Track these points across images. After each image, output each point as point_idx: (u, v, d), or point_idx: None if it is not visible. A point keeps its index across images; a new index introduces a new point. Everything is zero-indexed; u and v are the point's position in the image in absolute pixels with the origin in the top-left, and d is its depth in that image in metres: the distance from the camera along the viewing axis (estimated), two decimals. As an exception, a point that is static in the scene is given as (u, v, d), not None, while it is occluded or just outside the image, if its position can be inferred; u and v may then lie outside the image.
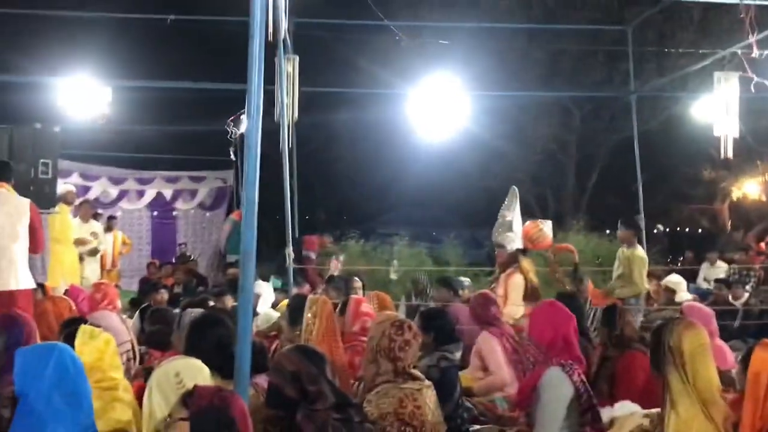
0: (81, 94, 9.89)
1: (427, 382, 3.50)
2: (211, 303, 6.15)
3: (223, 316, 4.00)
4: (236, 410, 2.43)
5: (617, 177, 19.22)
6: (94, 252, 10.89)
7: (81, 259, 10.48)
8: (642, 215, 9.95)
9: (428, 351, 4.39)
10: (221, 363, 3.48)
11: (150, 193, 17.78)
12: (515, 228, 7.29)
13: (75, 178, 16.09)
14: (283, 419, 2.96)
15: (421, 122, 10.73)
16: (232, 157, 16.04)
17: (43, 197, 8.17)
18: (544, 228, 7.50)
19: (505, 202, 7.52)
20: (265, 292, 8.55)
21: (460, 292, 8.00)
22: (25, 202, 6.06)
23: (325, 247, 11.57)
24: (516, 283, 6.97)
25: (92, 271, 10.95)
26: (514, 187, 7.65)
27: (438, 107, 10.29)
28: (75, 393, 3.11)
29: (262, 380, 4.16)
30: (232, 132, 13.84)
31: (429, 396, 3.46)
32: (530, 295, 6.92)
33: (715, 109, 8.42)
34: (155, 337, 6.64)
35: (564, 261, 8.99)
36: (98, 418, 3.51)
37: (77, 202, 11.21)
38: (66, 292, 6.96)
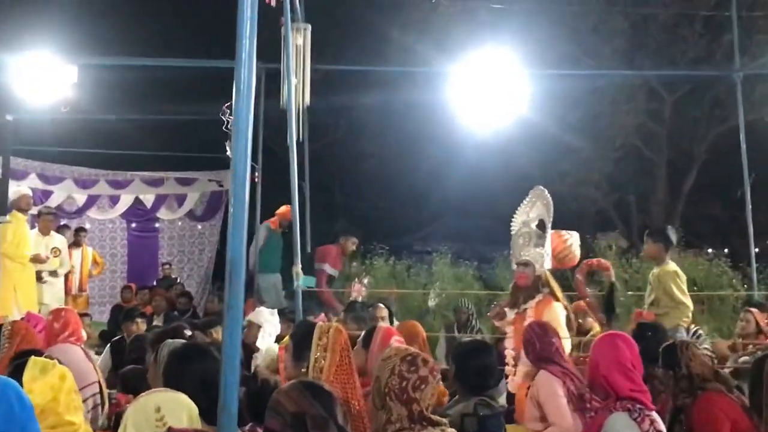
0: (39, 74, 10.01)
1: (451, 430, 3.53)
2: (188, 333, 6.18)
3: (211, 348, 4.05)
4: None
5: (719, 180, 19.05)
6: (54, 274, 11.05)
7: (39, 279, 10.64)
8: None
9: (464, 396, 4.41)
10: (208, 405, 3.54)
11: (126, 200, 17.98)
12: (547, 242, 7.06)
13: (32, 181, 16.37)
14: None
15: (467, 109, 10.77)
16: (229, 153, 16.19)
17: (-8, 202, 8.36)
18: (571, 242, 7.40)
19: (524, 205, 7.36)
20: (270, 321, 8.61)
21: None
22: None
23: (346, 254, 11.39)
24: (556, 313, 6.82)
25: (53, 295, 11.13)
26: (540, 187, 7.48)
27: (488, 90, 10.32)
28: None
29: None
30: (227, 121, 14.00)
31: None
32: (571, 327, 6.89)
33: None
34: (131, 377, 6.74)
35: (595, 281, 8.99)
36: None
37: (35, 209, 11.40)
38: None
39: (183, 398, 3.29)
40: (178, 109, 17.42)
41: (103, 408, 6.03)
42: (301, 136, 8.36)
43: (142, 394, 3.45)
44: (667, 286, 7.77)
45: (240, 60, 2.97)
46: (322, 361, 4.64)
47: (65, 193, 17.33)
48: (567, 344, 6.13)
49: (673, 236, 8.16)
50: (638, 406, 3.92)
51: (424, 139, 20.21)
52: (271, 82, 12.62)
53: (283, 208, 11.89)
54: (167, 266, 17.29)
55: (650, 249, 8.12)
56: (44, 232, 11.28)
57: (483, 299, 12.01)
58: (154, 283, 16.31)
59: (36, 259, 10.45)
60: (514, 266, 7.09)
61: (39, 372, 3.86)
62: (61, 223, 14.75)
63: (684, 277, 7.99)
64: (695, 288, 11.83)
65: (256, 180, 13.34)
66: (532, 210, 7.25)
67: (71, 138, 17.19)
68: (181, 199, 18.38)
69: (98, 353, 8.75)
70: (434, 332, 10.40)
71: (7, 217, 9.04)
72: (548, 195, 7.32)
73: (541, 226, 7.05)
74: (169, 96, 17.20)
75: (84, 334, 7.15)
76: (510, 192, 21.04)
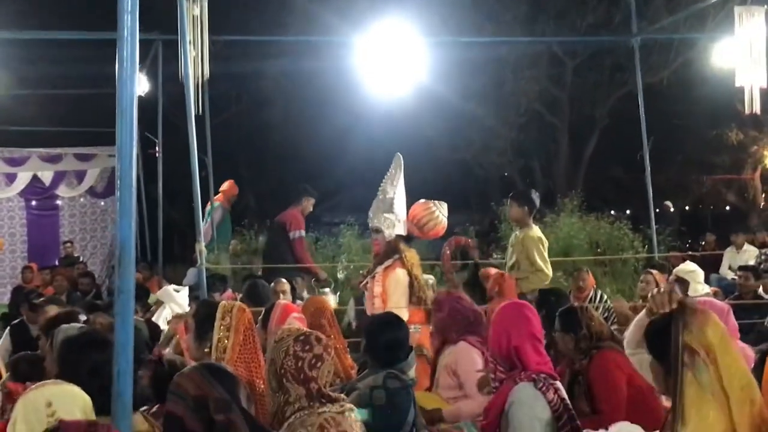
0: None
1: (349, 405, 3.52)
2: (83, 317, 6.01)
3: (107, 336, 3.93)
4: (109, 452, 2.41)
5: (620, 143, 19.44)
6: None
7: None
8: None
9: (374, 369, 4.39)
10: (103, 394, 3.44)
11: (23, 177, 17.49)
12: (397, 208, 7.02)
13: (-76, 161, 15.81)
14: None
15: (370, 79, 10.71)
16: (130, 127, 15.88)
17: None
18: (438, 211, 7.22)
19: (388, 173, 7.25)
20: (175, 300, 8.45)
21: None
22: None
23: (305, 215, 10.84)
24: (398, 280, 6.81)
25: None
26: (398, 154, 7.38)
27: (391, 59, 10.26)
28: None
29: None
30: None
31: (353, 420, 3.48)
32: (415, 295, 6.83)
33: (737, 54, 8.50)
34: (22, 364, 6.53)
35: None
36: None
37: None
38: None
39: (75, 391, 3.19)
40: (75, 83, 16.93)
41: (2, 394, 5.84)
42: (200, 109, 8.16)
43: (32, 387, 3.33)
44: (529, 251, 7.72)
45: (121, 36, 2.84)
46: (226, 341, 4.57)
47: (-43, 172, 16.79)
48: (403, 314, 6.05)
49: (537, 200, 8.06)
50: (542, 375, 3.95)
51: (328, 109, 20.12)
52: (170, 53, 12.38)
53: (225, 185, 11.62)
54: (69, 245, 16.91)
55: (514, 212, 8.01)
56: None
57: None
58: (56, 262, 15.92)
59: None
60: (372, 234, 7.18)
61: None
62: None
63: (546, 244, 7.97)
64: (598, 251, 12.09)
65: (157, 154, 13.10)
66: (396, 177, 7.17)
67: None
68: (80, 176, 17.97)
69: (-2, 337, 8.49)
70: (343, 304, 10.38)
71: None
72: (402, 162, 7.26)
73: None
74: (64, 69, 16.69)
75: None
76: (417, 161, 21.16)
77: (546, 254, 7.85)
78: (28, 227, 17.70)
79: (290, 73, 19.50)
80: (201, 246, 7.65)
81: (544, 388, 3.91)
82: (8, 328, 8.40)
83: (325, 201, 22.02)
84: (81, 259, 16.43)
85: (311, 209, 10.73)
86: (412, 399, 4.31)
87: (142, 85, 13.49)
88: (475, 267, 8.23)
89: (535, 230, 7.92)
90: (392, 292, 6.76)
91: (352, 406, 3.49)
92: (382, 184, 7.20)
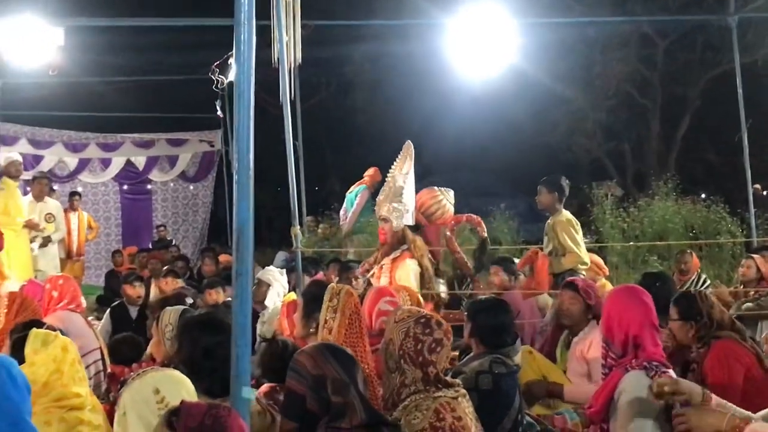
0: (25, 37, 9.85)
1: (463, 390, 3.49)
2: (189, 300, 6.13)
3: (222, 319, 3.98)
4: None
5: (715, 125, 18.97)
6: (45, 242, 10.93)
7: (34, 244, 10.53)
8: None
9: (479, 354, 4.36)
10: (212, 376, 3.48)
11: (117, 162, 17.90)
12: (406, 198, 6.94)
13: (23, 146, 16.25)
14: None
15: (458, 61, 10.62)
16: (220, 113, 16.07)
17: (-19, 170, 8.25)
18: (444, 199, 7.18)
19: (396, 161, 7.14)
20: (279, 280, 8.52)
21: (519, 277, 7.96)
22: None
23: None
24: (408, 270, 6.73)
25: (49, 262, 11.02)
26: (409, 142, 7.26)
27: (480, 41, 10.16)
28: (16, 420, 3.11)
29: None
30: (218, 81, 13.83)
31: (466, 406, 3.46)
32: (425, 285, 6.73)
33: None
34: (121, 346, 6.68)
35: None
36: (59, 446, 3.54)
37: (28, 175, 11.25)
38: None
39: (176, 374, 3.21)
40: (167, 70, 17.22)
41: (105, 374, 5.98)
42: (293, 95, 8.20)
43: (132, 375, 3.36)
44: (559, 235, 7.58)
45: (239, 21, 2.86)
46: (332, 323, 4.58)
47: (56, 157, 17.23)
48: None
49: (566, 186, 7.85)
50: (654, 363, 3.83)
51: (414, 92, 20.09)
52: (261, 40, 12.47)
53: (371, 171, 11.65)
54: (162, 228, 17.25)
55: (543, 198, 7.81)
56: (38, 197, 11.15)
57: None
58: (150, 246, 16.25)
59: (29, 225, 10.33)
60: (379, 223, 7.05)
61: (41, 344, 3.79)
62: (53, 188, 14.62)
63: (578, 226, 7.79)
64: (692, 235, 11.80)
65: (250, 139, 13.23)
66: (404, 165, 7.07)
67: (60, 101, 17.06)
68: (173, 161, 18.32)
69: (98, 318, 8.70)
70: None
71: (0, 184, 8.91)
72: (413, 150, 7.15)
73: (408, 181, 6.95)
74: (158, 57, 17.01)
75: (83, 301, 7.09)
76: (502, 144, 21.12)
77: (579, 236, 7.71)
78: (122, 211, 18.11)
79: (377, 57, 19.53)
80: (296, 229, 7.68)
81: (656, 377, 3.79)
82: (109, 309, 8.60)
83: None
84: (173, 242, 16.74)
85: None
86: (517, 384, 4.27)
87: (233, 71, 13.63)
88: (482, 243, 8.09)
89: (564, 214, 7.77)
90: (406, 281, 6.66)
91: (465, 392, 3.47)
92: (390, 171, 7.10)
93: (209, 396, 3.41)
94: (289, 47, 7.90)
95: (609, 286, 7.53)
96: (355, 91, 22.40)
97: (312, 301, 4.89)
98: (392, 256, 6.83)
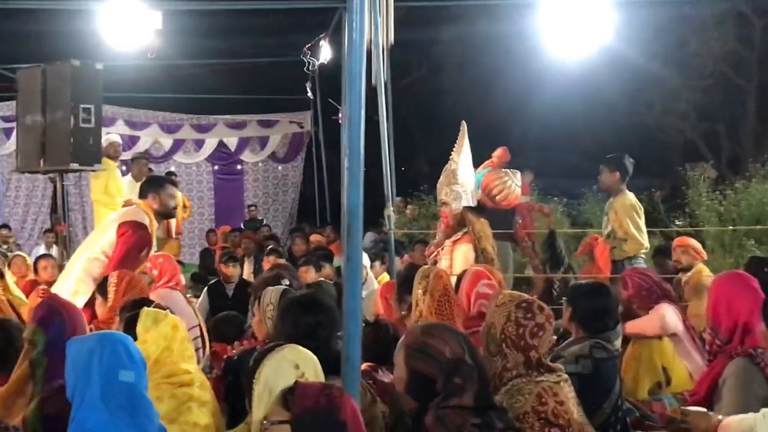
0: (125, 21, 10.05)
1: (565, 375, 3.48)
2: (285, 281, 6.21)
3: (324, 299, 4.03)
4: (347, 412, 2.46)
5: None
6: (145, 220, 11.18)
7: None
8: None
9: (579, 337, 4.34)
10: (320, 359, 3.54)
11: (210, 143, 18.24)
12: (462, 179, 6.77)
13: (120, 127, 16.69)
14: (401, 417, 2.97)
15: (549, 40, 10.50)
16: (310, 94, 16.21)
17: (85, 151, 8.45)
18: (510, 180, 6.97)
19: (456, 143, 6.98)
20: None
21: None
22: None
23: None
24: (464, 254, 6.58)
25: (147, 241, 11.27)
26: (463, 122, 7.11)
27: (573, 19, 10.03)
28: (133, 394, 3.22)
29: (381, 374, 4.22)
30: (309, 63, 13.95)
31: (568, 391, 3.45)
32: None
33: None
34: (222, 324, 6.82)
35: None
36: (170, 423, 3.63)
37: (127, 155, 11.48)
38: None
39: (309, 353, 3.20)
40: (259, 52, 17.41)
41: (204, 351, 6.11)
42: (385, 76, 8.23)
43: (265, 348, 3.31)
44: (621, 218, 7.51)
45: (352, 8, 2.88)
46: (422, 305, 4.61)
47: (152, 138, 17.65)
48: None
49: (629, 165, 7.74)
50: (760, 350, 3.75)
51: (504, 73, 19.88)
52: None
53: (499, 151, 11.65)
54: (253, 208, 17.53)
55: (605, 178, 7.77)
56: (138, 178, 11.37)
57: (570, 237, 11.85)
58: (241, 225, 16.54)
59: (128, 205, 10.57)
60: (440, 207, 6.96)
61: (151, 323, 3.90)
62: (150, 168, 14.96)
63: (641, 210, 7.69)
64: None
65: (340, 121, 13.31)
66: (461, 147, 6.95)
67: (155, 83, 17.42)
68: (263, 142, 18.59)
69: (195, 296, 8.90)
70: (520, 271, 10.28)
71: (102, 165, 9.14)
72: (466, 130, 7.02)
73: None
74: (251, 39, 17.20)
75: (182, 279, 7.26)
76: (593, 125, 20.78)
77: (641, 221, 7.58)
78: (215, 191, 18.46)
79: (466, 37, 19.36)
80: (389, 210, 7.74)
81: (762, 365, 3.71)
82: (206, 288, 8.80)
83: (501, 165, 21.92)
84: (264, 222, 16.99)
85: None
86: (617, 369, 4.24)
87: (324, 53, 13.73)
88: (551, 233, 7.94)
89: (628, 196, 7.67)
90: (457, 266, 6.56)
91: (567, 377, 3.46)
92: (452, 154, 6.98)
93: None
94: (381, 29, 7.93)
95: (706, 271, 7.39)
96: (444, 72, 22.29)
97: (404, 283, 4.93)
98: (453, 238, 6.75)
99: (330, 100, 14.03)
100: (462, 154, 6.84)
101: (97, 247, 6.37)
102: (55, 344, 3.81)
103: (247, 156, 18.58)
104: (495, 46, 18.65)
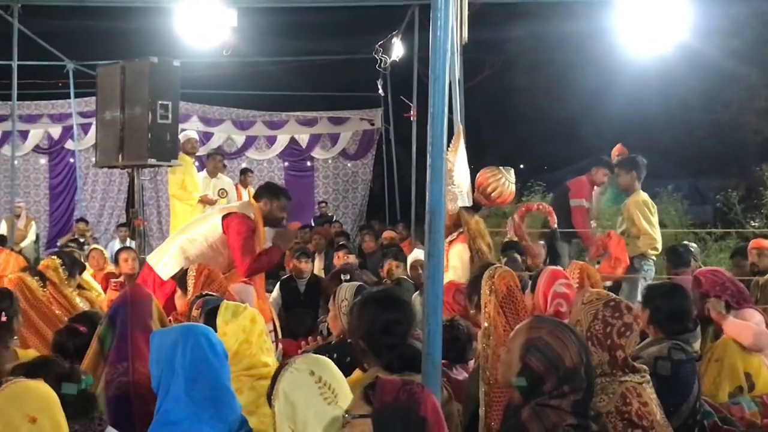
0: (201, 18, 10.18)
1: (648, 377, 3.44)
2: (346, 277, 6.23)
3: (398, 296, 4.04)
4: (427, 409, 2.46)
5: None
6: (221, 214, 11.34)
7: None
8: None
9: (658, 339, 4.29)
10: (391, 352, 3.56)
11: (282, 140, 18.41)
12: (458, 179, 6.74)
13: (194, 123, 16.94)
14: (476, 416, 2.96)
15: (628, 40, 10.37)
16: (381, 92, 16.25)
17: (163, 147, 8.62)
18: (504, 177, 6.82)
19: (451, 143, 6.90)
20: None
21: (692, 262, 7.81)
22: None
23: (597, 185, 10.24)
24: (459, 255, 6.50)
25: (221, 236, 11.44)
26: (458, 122, 7.12)
27: (652, 18, 9.89)
28: (216, 385, 3.28)
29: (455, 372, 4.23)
30: (381, 60, 13.98)
31: (651, 392, 3.42)
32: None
33: None
34: (292, 321, 6.88)
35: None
36: (249, 414, 3.67)
37: (205, 152, 11.62)
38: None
39: (320, 357, 3.07)
40: (330, 49, 17.52)
41: (276, 346, 6.18)
42: (458, 73, 8.20)
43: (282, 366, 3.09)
44: (634, 215, 7.65)
45: (436, 6, 2.88)
46: (489, 305, 4.60)
47: (225, 134, 17.88)
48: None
49: (643, 165, 7.95)
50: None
51: (577, 71, 19.70)
52: (424, 17, 12.53)
53: (614, 149, 11.57)
54: (323, 204, 17.62)
55: (624, 179, 8.00)
56: (213, 173, 11.58)
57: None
58: (311, 221, 16.64)
59: (204, 200, 10.76)
60: None
61: (231, 316, 3.97)
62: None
63: (654, 208, 7.85)
64: None
65: (412, 117, 13.33)
66: (456, 147, 6.93)
67: (228, 80, 17.63)
68: (334, 138, 18.68)
69: (267, 291, 8.98)
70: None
71: (179, 161, 9.30)
72: (462, 131, 7.12)
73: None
74: (322, 36, 17.31)
75: (255, 275, 7.33)
76: (669, 123, 20.46)
77: (654, 218, 7.71)
78: (286, 187, 18.55)
79: (538, 35, 19.22)
80: (459, 207, 7.70)
81: None
82: (279, 283, 8.89)
83: (571, 164, 21.74)
84: (334, 218, 17.07)
85: (603, 180, 10.04)
86: (696, 372, 4.18)
87: (396, 50, 13.76)
88: (553, 232, 7.86)
89: (641, 195, 7.82)
90: (452, 266, 6.52)
91: (648, 378, 3.43)
92: (447, 155, 6.93)
93: (389, 371, 3.48)
94: (456, 26, 7.91)
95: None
96: (515, 70, 22.16)
97: (474, 282, 4.92)
98: (449, 239, 6.65)
99: (402, 97, 14.03)
100: (458, 155, 6.86)
101: (197, 232, 6.56)
102: (118, 330, 4.02)
103: (317, 153, 18.70)
104: (569, 44, 18.50)
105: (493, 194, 6.76)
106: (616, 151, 11.07)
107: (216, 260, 6.35)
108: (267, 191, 6.98)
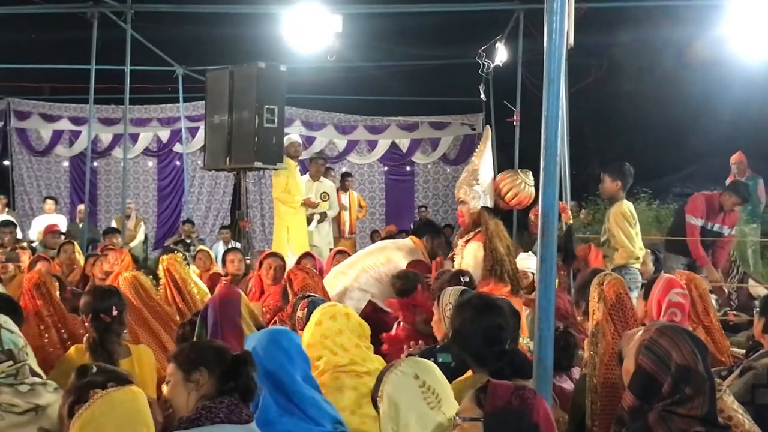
0: (307, 24, 10.34)
1: (725, 387, 3.34)
2: (465, 278, 6.27)
3: (499, 302, 4.01)
4: (540, 414, 2.45)
5: None
6: (322, 218, 11.48)
7: (308, 222, 11.10)
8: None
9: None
10: (492, 358, 3.52)
11: (383, 144, 18.52)
12: (482, 179, 6.78)
13: (297, 127, 17.20)
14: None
15: (738, 44, 10.11)
16: (483, 96, 16.16)
17: (268, 150, 8.79)
18: (522, 180, 6.84)
19: (480, 145, 6.99)
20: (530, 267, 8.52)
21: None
22: None
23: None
24: (473, 253, 6.56)
25: (323, 238, 11.58)
26: (488, 126, 7.32)
27: (762, 22, 9.62)
28: (288, 382, 3.41)
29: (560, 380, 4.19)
30: (484, 65, 13.90)
31: (732, 401, 3.31)
32: (492, 269, 6.41)
33: None
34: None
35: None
36: (351, 414, 3.73)
37: (308, 155, 11.75)
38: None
39: (425, 361, 3.09)
40: (431, 54, 17.54)
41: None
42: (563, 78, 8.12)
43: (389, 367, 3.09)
44: (612, 227, 7.46)
45: (552, 10, 2.88)
46: (597, 312, 4.54)
47: (327, 138, 18.09)
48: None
49: (630, 174, 7.66)
50: None
51: (686, 76, 19.24)
52: (528, 22, 12.49)
53: (734, 157, 11.29)
54: (423, 209, 17.64)
55: (608, 187, 7.71)
56: (315, 177, 11.72)
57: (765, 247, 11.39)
58: (411, 226, 16.67)
59: (307, 204, 10.89)
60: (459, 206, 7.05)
61: (325, 314, 4.10)
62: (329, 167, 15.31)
63: (635, 219, 7.54)
64: None
65: (515, 123, 13.24)
66: (483, 148, 6.94)
67: (330, 85, 17.82)
68: (435, 143, 18.70)
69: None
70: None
71: (284, 164, 9.46)
72: (490, 133, 7.21)
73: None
74: (425, 41, 17.36)
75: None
76: (780, 131, 19.78)
77: (633, 230, 7.46)
78: (386, 192, 18.71)
79: (645, 39, 18.87)
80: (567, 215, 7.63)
81: None
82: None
83: (678, 171, 21.27)
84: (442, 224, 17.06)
85: (732, 209, 9.64)
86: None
87: (499, 55, 13.68)
88: (568, 230, 7.66)
89: (623, 205, 7.58)
90: (465, 264, 6.62)
91: (726, 388, 3.33)
92: (473, 158, 7.05)
93: (491, 376, 3.45)
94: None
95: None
96: (621, 75, 21.79)
97: (581, 288, 4.88)
98: (466, 237, 6.80)
99: (505, 102, 13.96)
100: (484, 157, 6.91)
101: (376, 262, 7.02)
102: (210, 329, 4.34)
103: (418, 157, 18.75)
104: (677, 49, 18.10)
105: (508, 196, 6.85)
106: (735, 158, 10.77)
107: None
108: (429, 229, 7.50)
